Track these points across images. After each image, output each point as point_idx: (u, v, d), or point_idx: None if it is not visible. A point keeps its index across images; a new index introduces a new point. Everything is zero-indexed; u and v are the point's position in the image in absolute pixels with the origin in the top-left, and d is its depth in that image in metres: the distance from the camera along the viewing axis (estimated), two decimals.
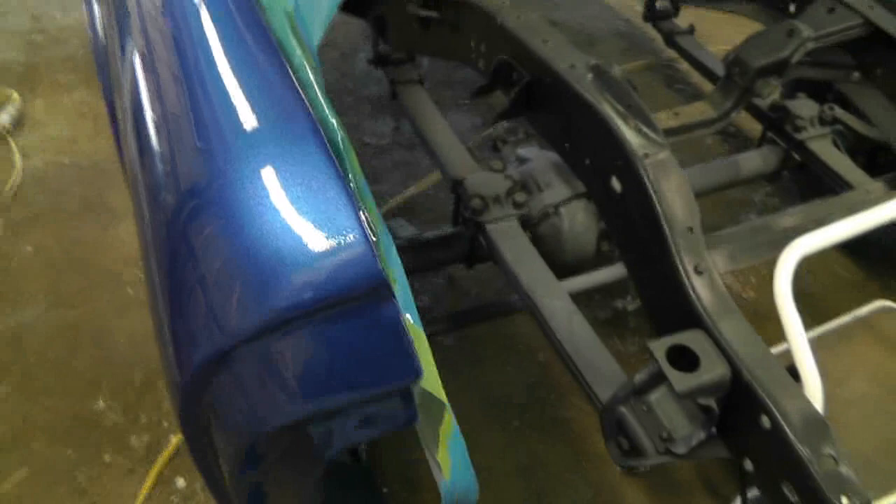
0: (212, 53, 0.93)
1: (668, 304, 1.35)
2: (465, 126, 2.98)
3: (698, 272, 1.29)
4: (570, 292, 1.59)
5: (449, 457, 0.85)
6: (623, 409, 1.22)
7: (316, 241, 0.70)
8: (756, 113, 2.11)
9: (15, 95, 3.17)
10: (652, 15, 2.79)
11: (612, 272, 1.81)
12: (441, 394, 0.78)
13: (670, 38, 2.75)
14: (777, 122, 2.02)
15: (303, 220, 0.72)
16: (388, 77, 2.33)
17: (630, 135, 1.41)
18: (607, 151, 1.45)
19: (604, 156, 1.49)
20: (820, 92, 2.19)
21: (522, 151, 1.95)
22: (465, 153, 1.99)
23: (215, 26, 0.98)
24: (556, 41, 1.63)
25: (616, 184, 1.46)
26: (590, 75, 1.52)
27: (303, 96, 0.84)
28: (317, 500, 0.98)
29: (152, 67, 1.01)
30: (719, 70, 2.29)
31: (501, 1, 1.79)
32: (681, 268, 1.29)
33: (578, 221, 1.78)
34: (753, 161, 2.08)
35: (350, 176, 0.78)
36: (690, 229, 1.33)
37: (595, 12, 3.78)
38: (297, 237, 0.71)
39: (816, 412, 1.12)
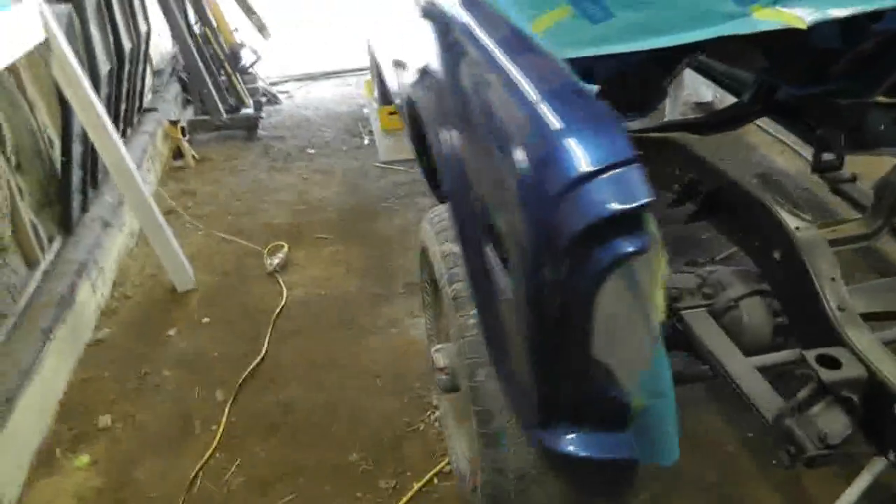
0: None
1: (819, 336, 1.64)
2: None
3: (840, 310, 1.62)
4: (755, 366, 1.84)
5: (661, 299, 1.30)
6: (788, 422, 1.48)
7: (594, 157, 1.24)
8: None
9: (285, 246, 3.90)
10: (818, 166, 2.97)
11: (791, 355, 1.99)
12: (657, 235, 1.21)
13: (835, 187, 2.95)
14: None
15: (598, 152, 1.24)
16: None
17: (786, 216, 1.80)
18: (770, 231, 1.84)
19: (767, 235, 1.87)
20: None
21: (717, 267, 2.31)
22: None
23: None
24: (727, 161, 2.11)
25: (777, 254, 1.83)
26: (755, 180, 1.96)
27: None
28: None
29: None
30: None
31: (692, 138, 2.34)
32: (827, 307, 1.63)
33: (756, 314, 1.98)
34: None
35: None
36: (833, 279, 1.69)
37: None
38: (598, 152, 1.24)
39: None
